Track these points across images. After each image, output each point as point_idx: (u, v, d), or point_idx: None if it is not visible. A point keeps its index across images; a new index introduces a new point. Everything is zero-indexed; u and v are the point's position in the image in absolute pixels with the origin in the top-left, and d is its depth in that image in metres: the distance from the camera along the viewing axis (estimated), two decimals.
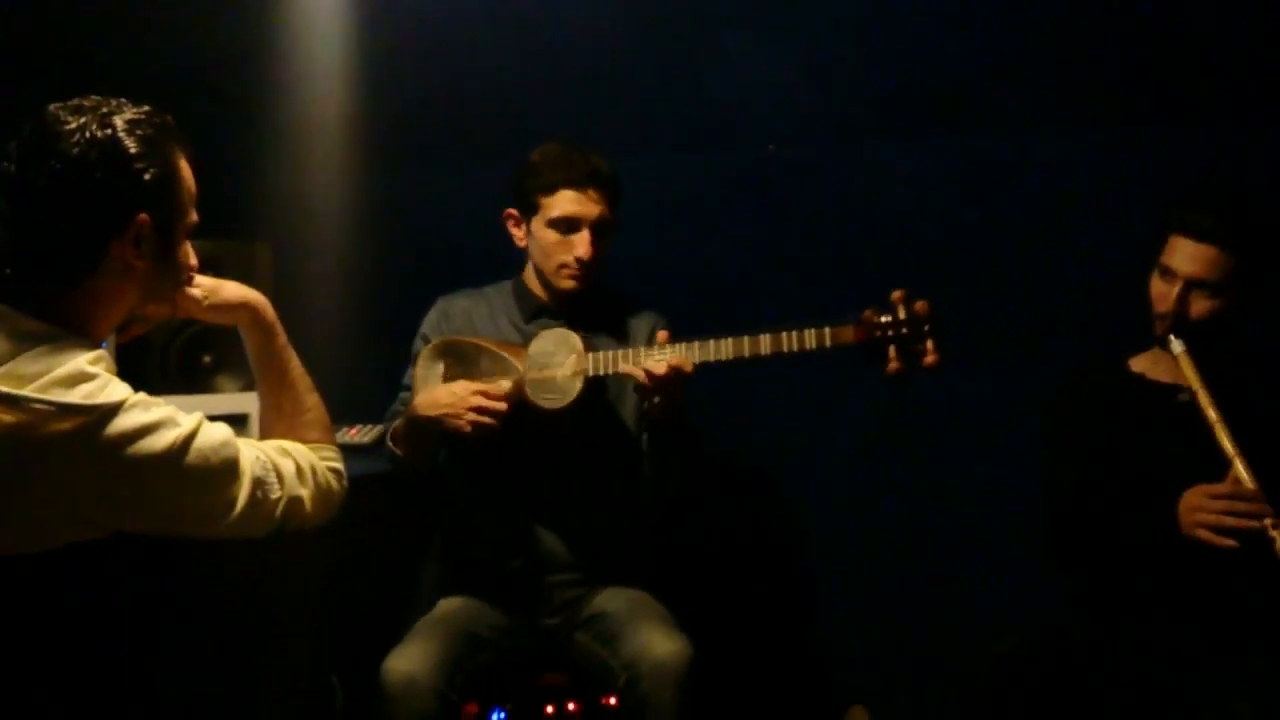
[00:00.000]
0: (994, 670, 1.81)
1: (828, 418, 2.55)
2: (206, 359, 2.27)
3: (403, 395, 2.12)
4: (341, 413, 1.87)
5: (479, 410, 1.91)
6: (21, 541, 1.23)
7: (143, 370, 2.11)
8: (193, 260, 1.44)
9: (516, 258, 2.17)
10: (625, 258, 2.12)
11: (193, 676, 1.60)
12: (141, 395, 1.27)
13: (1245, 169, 2.22)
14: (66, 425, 1.19)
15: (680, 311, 2.12)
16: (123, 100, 1.33)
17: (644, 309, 2.16)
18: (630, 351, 1.92)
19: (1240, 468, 1.68)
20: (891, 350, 1.79)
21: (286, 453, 1.44)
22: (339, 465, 1.52)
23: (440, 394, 1.97)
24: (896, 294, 1.79)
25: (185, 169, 1.37)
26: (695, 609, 2.03)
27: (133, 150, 1.29)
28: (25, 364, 1.22)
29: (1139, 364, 1.98)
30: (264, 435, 1.51)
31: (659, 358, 1.86)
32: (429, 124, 2.68)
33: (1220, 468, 1.71)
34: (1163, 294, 1.84)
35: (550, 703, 2.03)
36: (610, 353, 1.93)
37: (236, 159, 2.53)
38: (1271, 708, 1.61)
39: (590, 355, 1.93)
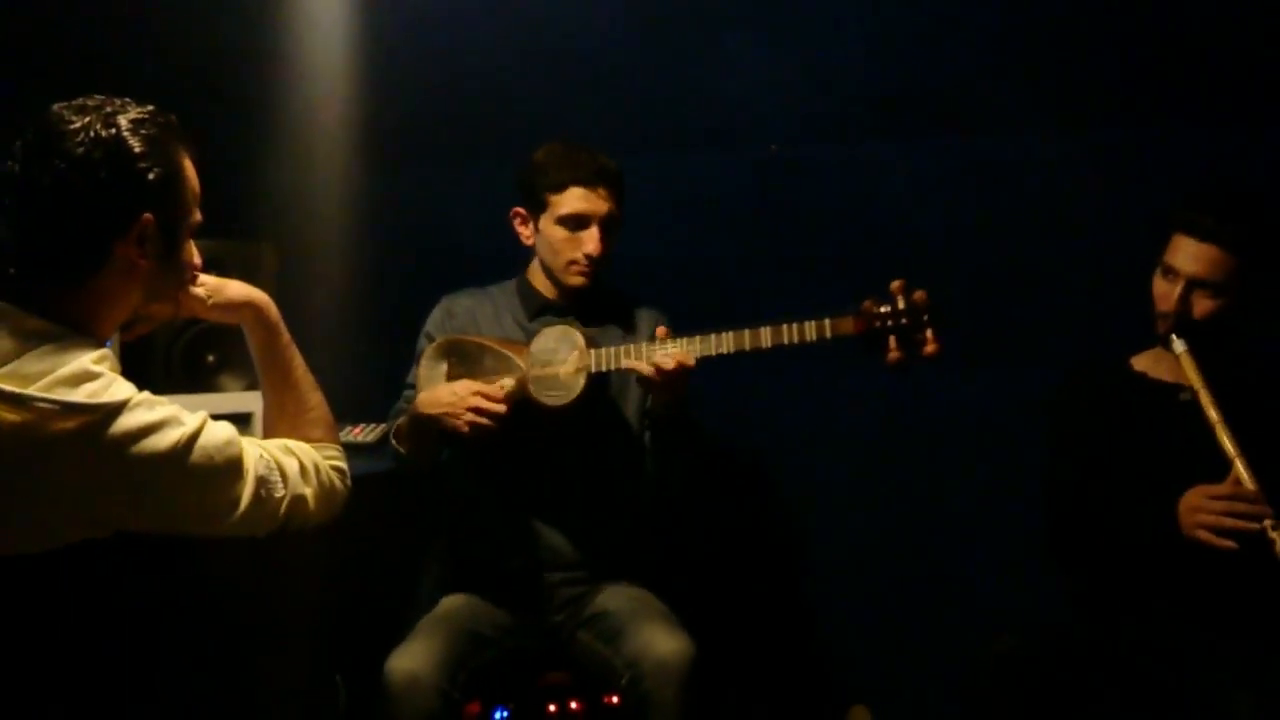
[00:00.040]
0: (994, 670, 1.81)
1: (829, 418, 2.56)
2: (210, 358, 2.27)
3: (407, 394, 2.13)
4: (344, 411, 1.88)
5: (477, 411, 1.92)
6: (25, 541, 1.23)
7: (147, 369, 2.11)
8: (197, 260, 1.44)
9: (519, 257, 2.17)
10: (626, 258, 2.12)
11: (195, 676, 1.61)
12: (146, 394, 1.27)
13: (1246, 169, 2.22)
14: (71, 424, 1.20)
15: (680, 311, 2.13)
16: (127, 100, 1.33)
17: (645, 306, 2.17)
18: (632, 347, 1.92)
19: (1241, 468, 1.68)
20: (891, 340, 1.79)
21: (290, 451, 1.44)
22: (342, 464, 1.52)
23: (441, 393, 1.98)
24: (895, 284, 1.80)
25: (189, 169, 1.37)
26: (697, 608, 2.03)
27: (137, 150, 1.29)
28: (30, 363, 1.22)
29: (1141, 362, 1.98)
30: (267, 434, 1.51)
31: (662, 352, 1.87)
32: (431, 124, 2.69)
33: (1221, 467, 1.71)
34: (1165, 293, 1.84)
35: (553, 701, 2.04)
36: (612, 349, 1.93)
37: (240, 159, 2.53)
38: (1271, 708, 1.61)
39: (593, 351, 1.94)
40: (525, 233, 2.12)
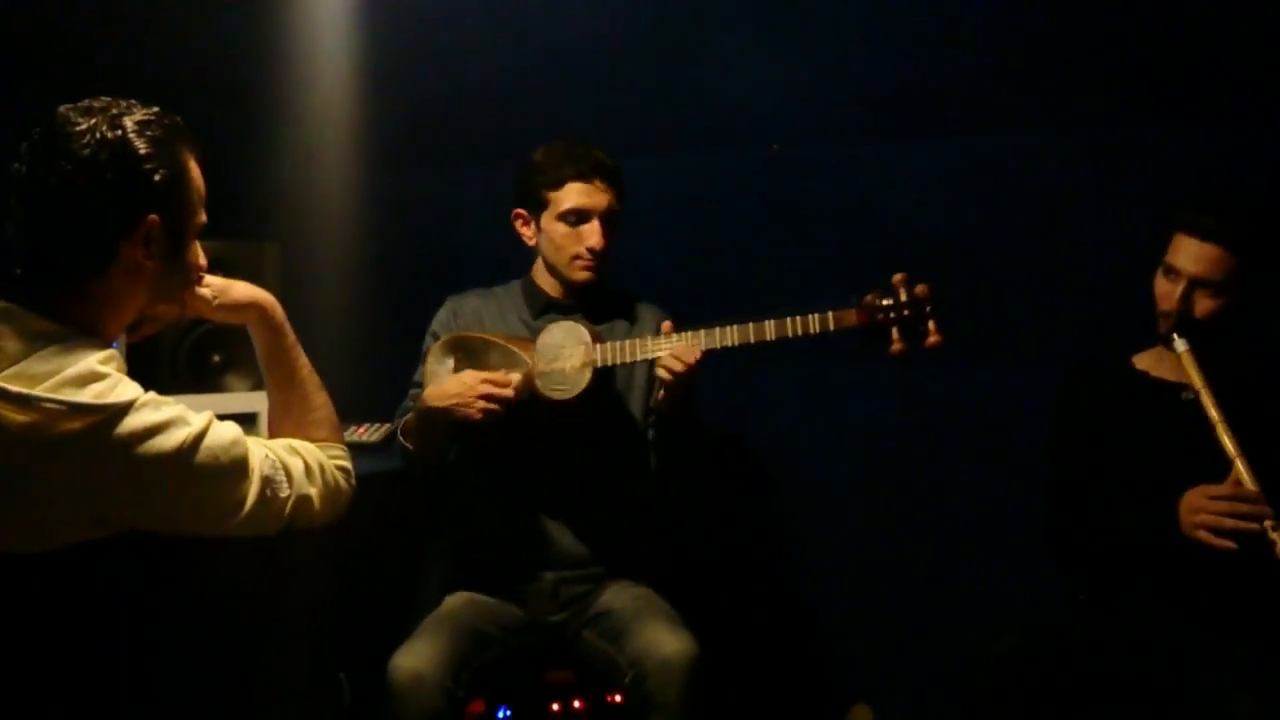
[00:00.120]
0: (994, 670, 1.81)
1: (830, 418, 2.56)
2: (216, 358, 2.28)
3: (413, 392, 2.13)
4: (349, 411, 1.88)
5: (488, 398, 1.92)
6: (31, 540, 1.23)
7: (153, 370, 2.11)
8: (202, 260, 1.44)
9: (523, 257, 2.18)
10: (627, 258, 2.13)
11: (198, 675, 1.61)
12: (152, 394, 1.28)
13: (1246, 169, 2.22)
14: (77, 424, 1.20)
15: (682, 311, 2.12)
16: (132, 101, 1.33)
17: (648, 304, 2.18)
18: (637, 341, 1.93)
19: (1241, 468, 1.69)
20: (894, 332, 1.80)
21: (295, 451, 1.44)
22: (347, 464, 1.52)
23: (450, 384, 1.98)
24: (898, 277, 1.81)
25: (194, 170, 1.37)
26: (700, 606, 2.04)
27: (143, 151, 1.29)
28: (36, 364, 1.22)
29: (1143, 361, 1.99)
30: (273, 434, 1.51)
31: (666, 346, 1.87)
32: (434, 125, 2.69)
33: (1223, 467, 1.71)
34: (1166, 292, 1.84)
35: (556, 700, 2.04)
36: (618, 343, 1.94)
37: (245, 160, 2.54)
38: (1271, 708, 1.61)
39: (599, 346, 1.95)
40: (528, 234, 2.12)
